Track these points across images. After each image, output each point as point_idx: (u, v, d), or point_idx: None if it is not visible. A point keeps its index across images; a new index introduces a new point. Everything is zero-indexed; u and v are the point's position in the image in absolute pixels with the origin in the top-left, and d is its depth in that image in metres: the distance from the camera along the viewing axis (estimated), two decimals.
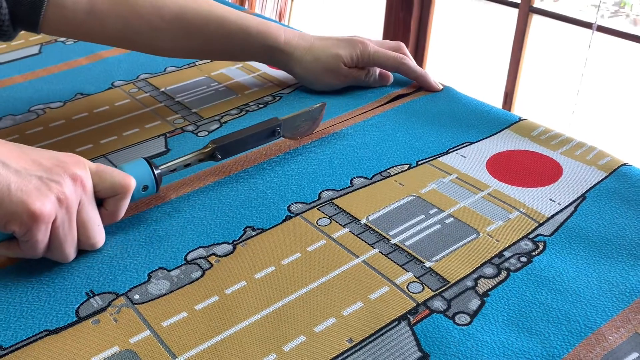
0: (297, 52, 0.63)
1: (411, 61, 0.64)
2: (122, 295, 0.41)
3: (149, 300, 0.40)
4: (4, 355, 0.37)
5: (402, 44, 0.66)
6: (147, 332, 0.38)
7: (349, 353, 0.37)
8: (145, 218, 0.48)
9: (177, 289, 0.41)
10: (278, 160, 0.54)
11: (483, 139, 0.56)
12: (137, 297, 0.41)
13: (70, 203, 0.41)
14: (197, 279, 0.42)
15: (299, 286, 0.41)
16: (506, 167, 0.52)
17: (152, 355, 0.37)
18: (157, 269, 0.43)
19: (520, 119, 0.58)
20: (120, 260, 0.44)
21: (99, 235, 0.44)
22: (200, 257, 0.44)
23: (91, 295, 0.41)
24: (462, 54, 2.57)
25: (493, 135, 0.56)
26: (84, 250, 0.44)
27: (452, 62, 2.53)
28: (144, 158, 0.47)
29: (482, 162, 0.52)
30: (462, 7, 2.64)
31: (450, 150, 0.54)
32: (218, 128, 0.59)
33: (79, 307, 0.40)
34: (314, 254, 0.44)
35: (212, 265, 0.43)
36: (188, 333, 0.38)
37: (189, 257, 0.44)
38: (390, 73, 0.66)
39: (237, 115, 0.61)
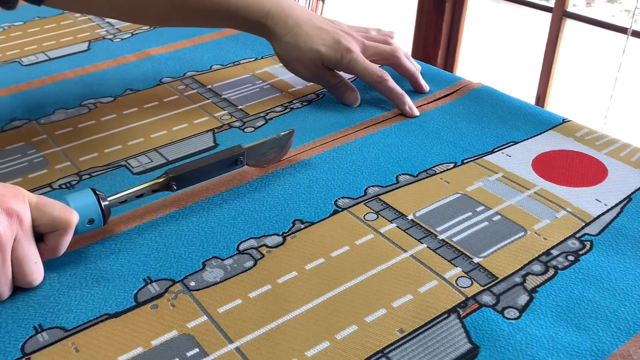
0: (278, 30, 0.61)
1: (389, 82, 0.61)
2: (178, 282, 0.42)
3: (205, 287, 0.42)
4: (68, 336, 0.39)
5: (398, 51, 0.64)
6: (204, 318, 0.40)
7: (400, 343, 0.38)
8: (197, 209, 0.49)
9: (231, 277, 0.43)
10: (324, 156, 0.55)
11: (527, 138, 0.56)
12: (192, 284, 0.42)
13: (3, 240, 0.38)
14: (249, 268, 0.43)
15: (348, 278, 0.42)
16: (552, 166, 0.52)
17: (210, 340, 0.38)
18: (210, 258, 0.44)
19: (564, 120, 0.58)
20: (175, 249, 0.45)
21: (36, 273, 0.41)
22: (251, 248, 0.45)
23: (149, 282, 0.43)
24: (493, 56, 2.56)
25: (537, 135, 0.57)
26: (141, 237, 0.46)
27: (484, 65, 2.52)
28: (92, 189, 0.45)
29: (528, 162, 0.53)
30: (494, 11, 2.63)
31: (495, 150, 0.55)
32: (264, 125, 0.60)
33: (137, 293, 0.42)
34: (362, 247, 0.45)
35: (263, 255, 0.44)
36: (243, 319, 0.39)
37: (241, 247, 0.45)
38: (357, 97, 0.62)
39: (281, 113, 0.62)
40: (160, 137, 0.59)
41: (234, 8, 0.61)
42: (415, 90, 0.65)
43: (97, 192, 0.45)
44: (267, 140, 0.52)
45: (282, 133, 0.53)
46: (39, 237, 0.42)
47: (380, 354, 0.37)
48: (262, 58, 0.73)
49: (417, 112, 0.60)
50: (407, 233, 0.46)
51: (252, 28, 0.63)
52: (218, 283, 0.42)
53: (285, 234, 0.46)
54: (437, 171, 0.52)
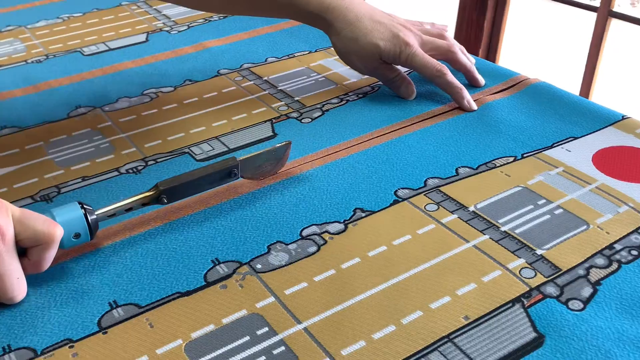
0: (337, 23, 0.62)
1: (449, 76, 0.61)
2: (245, 264, 0.44)
3: (271, 270, 0.43)
4: (142, 312, 0.40)
5: (454, 46, 0.65)
6: (272, 299, 0.41)
7: (465, 329, 0.38)
8: (260, 195, 0.50)
9: (296, 261, 0.44)
10: (382, 148, 0.56)
11: (587, 134, 0.56)
12: (259, 266, 0.44)
13: None
14: (313, 253, 0.44)
15: (411, 265, 0.43)
16: (612, 162, 0.52)
17: (278, 319, 0.39)
18: (275, 242, 0.46)
19: (624, 117, 0.58)
20: (240, 233, 0.47)
21: (17, 289, 0.40)
22: (314, 234, 0.46)
23: (217, 263, 0.44)
24: (535, 56, 2.53)
25: (597, 131, 0.56)
26: (208, 220, 0.47)
27: (525, 64, 2.49)
28: (79, 202, 0.44)
29: (588, 157, 0.53)
30: (537, 9, 2.60)
31: (555, 145, 0.55)
32: (320, 116, 0.61)
33: (206, 273, 0.43)
34: (424, 237, 0.45)
35: (326, 241, 0.45)
36: (310, 301, 0.41)
37: (304, 233, 0.46)
38: (414, 90, 0.63)
39: (337, 104, 0.63)
40: (221, 126, 0.60)
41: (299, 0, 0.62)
42: (471, 84, 0.65)
43: (85, 206, 0.44)
44: (262, 152, 0.51)
45: (278, 145, 0.51)
46: (22, 251, 0.41)
47: (446, 339, 0.38)
48: (316, 51, 0.74)
49: (475, 107, 0.61)
50: (468, 224, 0.46)
51: (311, 20, 0.64)
52: (283, 266, 0.43)
53: (346, 222, 0.47)
54: (497, 164, 0.53)
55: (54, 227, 0.40)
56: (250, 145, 0.57)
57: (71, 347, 0.38)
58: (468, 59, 0.66)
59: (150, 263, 0.44)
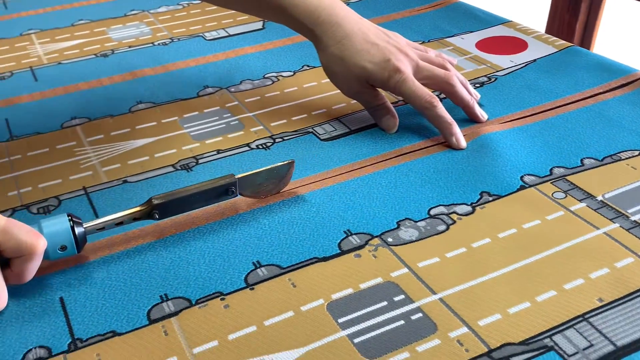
0: (325, 38, 0.58)
1: (438, 109, 0.56)
2: (376, 236, 0.46)
3: (402, 244, 0.45)
4: (284, 273, 0.43)
5: (453, 78, 0.58)
6: (405, 270, 0.43)
7: (600, 310, 0.39)
8: (386, 175, 0.52)
9: (426, 237, 0.46)
10: (507, 134, 0.57)
11: None
12: (390, 240, 0.46)
13: None
14: (442, 232, 0.46)
15: (542, 248, 0.44)
16: None
17: (413, 289, 0.41)
18: (404, 219, 0.48)
19: None
20: (369, 209, 0.49)
21: None
22: (442, 214, 0.48)
23: (349, 234, 0.46)
24: (628, 60, 2.44)
25: None
26: (337, 195, 0.50)
27: None
28: (68, 214, 0.43)
29: None
30: (633, 12, 2.51)
31: None
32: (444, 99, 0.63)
33: (340, 242, 0.46)
34: (553, 222, 0.46)
35: (454, 221, 0.47)
36: (443, 275, 0.42)
37: (432, 212, 0.48)
38: (396, 124, 0.58)
39: (487, 82, 0.65)
40: (341, 109, 0.63)
41: (288, 5, 0.58)
42: (471, 120, 0.59)
43: (74, 218, 0.43)
44: (262, 170, 0.49)
45: (280, 164, 0.49)
46: (6, 261, 0.41)
47: (580, 318, 0.39)
48: (429, 41, 0.76)
49: (463, 144, 0.55)
50: (598, 212, 0.47)
51: (301, 30, 0.60)
52: (414, 241, 0.45)
53: (474, 204, 0.49)
54: (622, 157, 0.53)
55: (36, 239, 0.40)
56: (370, 127, 0.60)
57: (222, 299, 0.41)
58: (469, 93, 0.60)
59: (290, 230, 0.47)
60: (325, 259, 0.44)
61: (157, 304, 0.41)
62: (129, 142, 0.59)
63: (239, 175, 0.48)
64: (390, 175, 0.52)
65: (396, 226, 0.47)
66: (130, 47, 0.78)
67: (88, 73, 0.72)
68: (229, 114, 0.63)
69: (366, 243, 0.45)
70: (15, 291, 0.43)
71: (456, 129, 0.56)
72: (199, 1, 0.91)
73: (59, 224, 0.43)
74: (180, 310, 0.41)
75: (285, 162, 0.50)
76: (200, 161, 0.56)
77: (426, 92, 0.57)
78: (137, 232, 0.47)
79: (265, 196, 0.50)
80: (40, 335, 0.39)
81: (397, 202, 0.49)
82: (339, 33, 0.57)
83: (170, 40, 0.80)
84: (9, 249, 0.40)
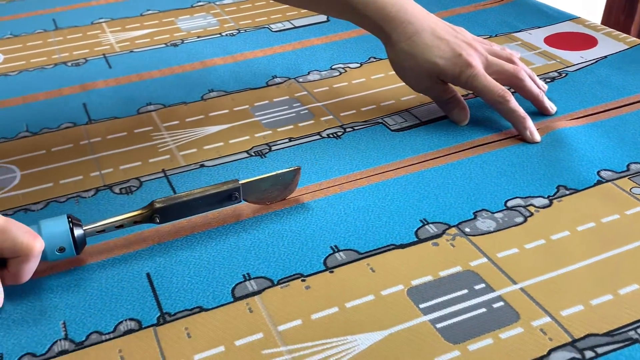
0: (395, 35, 0.58)
1: (511, 103, 0.56)
2: (453, 226, 0.46)
3: (479, 234, 0.45)
4: (362, 258, 0.44)
5: (521, 72, 0.58)
6: (484, 259, 0.43)
7: None
8: (459, 166, 0.53)
9: (504, 229, 0.46)
10: (583, 129, 0.56)
11: None
12: (467, 230, 0.46)
13: None
14: (520, 223, 0.46)
15: (622, 242, 0.44)
16: None
17: (493, 278, 0.42)
18: (480, 210, 0.48)
19: None
20: (445, 199, 0.49)
21: None
22: (519, 206, 0.48)
23: (425, 223, 0.47)
24: None
25: None
26: (411, 184, 0.50)
27: None
28: (68, 216, 0.43)
29: None
30: None
31: None
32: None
33: (417, 230, 0.46)
34: (632, 217, 0.46)
35: (532, 214, 0.47)
36: (523, 265, 0.42)
37: (509, 204, 0.48)
38: (467, 115, 0.58)
39: (557, 77, 0.64)
40: (410, 100, 0.64)
41: (357, 2, 0.58)
42: (540, 113, 0.59)
43: (74, 220, 0.43)
44: (267, 177, 0.48)
45: (285, 170, 0.49)
46: (3, 262, 0.41)
47: None
48: (496, 36, 0.75)
49: (538, 138, 0.55)
50: None
51: (369, 26, 0.60)
52: (492, 232, 0.46)
53: (551, 198, 0.49)
54: None
55: (33, 240, 0.40)
56: (440, 119, 0.60)
57: (303, 280, 0.42)
58: (537, 86, 0.60)
59: (363, 216, 0.48)
60: (402, 246, 0.45)
61: (240, 282, 0.43)
62: (204, 129, 0.61)
63: (243, 181, 0.47)
64: (464, 167, 0.53)
65: (473, 217, 0.47)
66: (198, 37, 0.80)
67: (159, 61, 0.74)
68: (299, 104, 0.64)
69: (443, 232, 0.46)
70: (102, 266, 0.45)
71: (530, 122, 0.56)
72: None
73: (58, 225, 0.42)
74: (263, 290, 0.42)
75: (291, 169, 0.49)
76: (273, 148, 0.57)
77: (498, 87, 0.57)
78: (217, 213, 0.49)
79: (270, 203, 0.50)
80: (130, 308, 0.41)
81: (473, 193, 0.50)
82: (409, 29, 0.57)
83: (237, 31, 0.82)
84: (5, 250, 0.39)
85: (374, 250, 0.45)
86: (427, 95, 0.62)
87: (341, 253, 0.45)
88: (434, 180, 0.51)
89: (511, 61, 0.61)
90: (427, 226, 0.47)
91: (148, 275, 0.44)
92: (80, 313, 0.41)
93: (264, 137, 0.59)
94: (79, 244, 0.43)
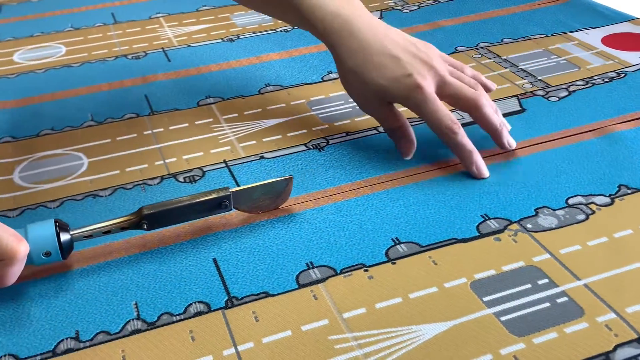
0: (339, 49, 0.53)
1: (459, 136, 0.50)
2: (515, 222, 0.47)
3: (541, 231, 0.46)
4: (423, 251, 0.44)
5: (481, 99, 0.52)
6: (547, 255, 0.43)
7: None
8: (519, 163, 0.53)
9: (566, 226, 0.46)
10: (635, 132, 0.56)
11: None
12: (529, 226, 0.46)
13: None
14: (582, 221, 0.46)
15: None
16: None
17: (557, 274, 0.42)
18: (542, 207, 0.48)
19: None
20: (506, 195, 0.49)
21: None
22: (580, 204, 0.48)
23: (486, 218, 0.47)
24: None
25: None
26: (472, 179, 0.51)
27: None
28: (55, 220, 0.43)
29: None
30: None
31: None
32: (567, 96, 0.62)
33: (478, 225, 0.47)
34: None
35: (594, 212, 0.47)
36: (587, 262, 0.43)
37: (570, 202, 0.48)
38: (411, 150, 0.53)
39: (583, 86, 0.64)
40: None
41: (305, 8, 0.53)
42: (500, 147, 0.54)
43: (61, 224, 0.43)
44: (257, 185, 0.47)
45: (277, 179, 0.48)
46: None
47: None
48: (552, 35, 0.75)
49: (486, 174, 0.51)
50: None
51: (316, 35, 0.55)
52: (554, 229, 0.46)
53: (612, 196, 0.48)
54: None
55: (18, 244, 0.39)
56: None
57: (365, 270, 0.43)
58: (498, 118, 0.53)
59: (424, 210, 0.48)
60: (464, 240, 0.45)
61: (304, 270, 0.44)
62: (262, 122, 0.62)
63: (233, 189, 0.47)
64: (523, 165, 0.53)
65: (534, 213, 0.47)
66: (254, 32, 0.82)
67: (217, 56, 0.76)
68: None
69: (505, 228, 0.46)
70: (170, 251, 0.46)
71: (477, 157, 0.51)
72: None
73: (44, 229, 0.42)
74: (327, 278, 0.43)
75: (282, 178, 0.48)
76: (331, 142, 0.58)
77: (448, 117, 0.51)
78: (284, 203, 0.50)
79: (262, 212, 0.49)
80: (198, 292, 0.43)
81: (534, 190, 0.50)
82: (353, 45, 0.52)
83: (291, 28, 0.83)
84: None
85: (436, 243, 0.45)
86: (374, 118, 0.56)
87: (402, 245, 0.45)
88: (493, 177, 0.51)
89: (474, 87, 0.54)
90: (488, 221, 0.47)
91: (215, 260, 0.45)
92: (152, 294, 0.43)
93: (322, 130, 0.60)
94: (65, 248, 0.43)
